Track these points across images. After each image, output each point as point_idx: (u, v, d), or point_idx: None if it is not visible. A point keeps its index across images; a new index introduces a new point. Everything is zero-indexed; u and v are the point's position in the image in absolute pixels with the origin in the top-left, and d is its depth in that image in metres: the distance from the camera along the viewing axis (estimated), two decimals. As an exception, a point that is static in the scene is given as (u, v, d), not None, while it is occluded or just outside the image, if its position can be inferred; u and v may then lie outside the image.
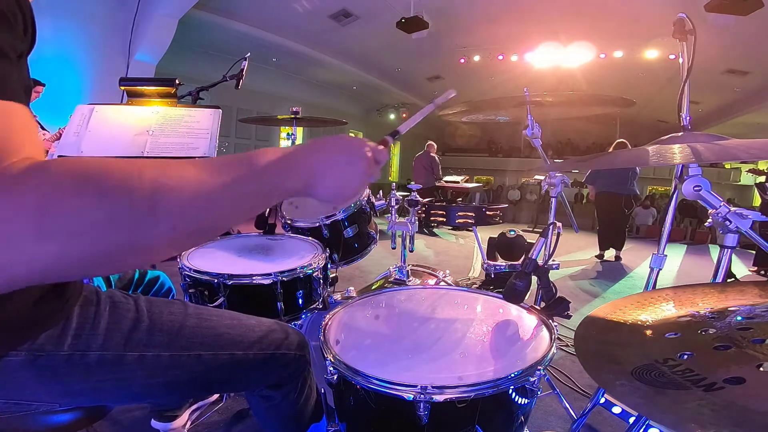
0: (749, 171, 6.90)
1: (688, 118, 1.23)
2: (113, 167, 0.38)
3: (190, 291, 1.21)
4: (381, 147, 0.63)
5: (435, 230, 6.82)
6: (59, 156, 1.87)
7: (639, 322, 0.62)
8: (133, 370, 0.67)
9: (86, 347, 0.63)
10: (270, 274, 1.22)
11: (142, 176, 0.38)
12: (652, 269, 1.36)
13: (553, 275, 1.04)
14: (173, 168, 0.41)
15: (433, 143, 7.37)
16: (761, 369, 0.45)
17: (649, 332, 0.59)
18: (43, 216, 0.34)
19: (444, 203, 6.20)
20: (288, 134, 2.47)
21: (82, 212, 0.35)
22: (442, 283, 1.97)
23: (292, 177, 0.50)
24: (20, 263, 0.34)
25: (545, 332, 0.90)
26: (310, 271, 1.30)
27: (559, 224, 1.04)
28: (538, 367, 0.76)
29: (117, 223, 0.36)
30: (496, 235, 2.38)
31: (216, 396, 1.55)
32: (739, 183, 14.48)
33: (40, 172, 0.35)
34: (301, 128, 2.55)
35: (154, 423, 1.31)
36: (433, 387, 0.70)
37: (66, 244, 0.34)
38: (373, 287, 1.95)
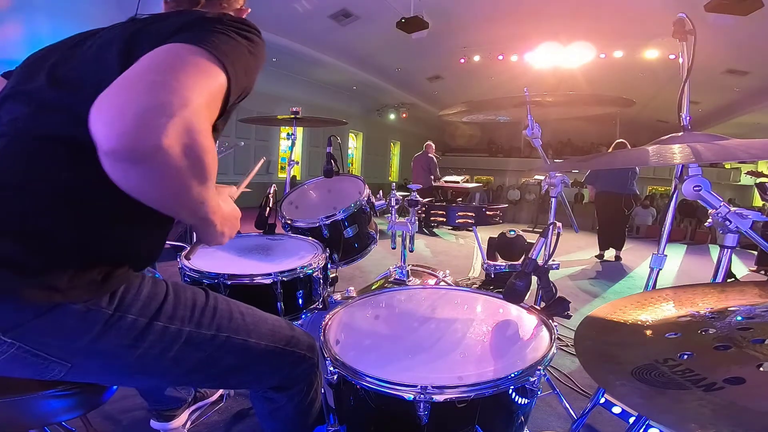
0: (748, 173, 6.89)
1: (688, 118, 1.23)
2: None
3: (190, 291, 1.21)
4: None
5: (435, 230, 6.82)
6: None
7: (639, 322, 0.62)
8: (152, 341, 0.71)
9: (126, 310, 0.69)
10: (270, 274, 1.22)
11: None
12: (652, 269, 1.36)
13: (553, 275, 1.04)
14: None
15: (431, 143, 7.31)
16: (761, 369, 0.46)
17: (649, 332, 0.59)
18: None
19: (444, 203, 6.20)
20: (288, 134, 2.47)
21: None
22: (442, 283, 1.97)
23: None
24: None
25: (545, 332, 0.90)
26: (310, 271, 1.30)
27: (559, 224, 1.04)
28: (538, 367, 0.76)
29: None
30: (496, 235, 2.38)
31: (216, 396, 1.55)
32: (739, 183, 14.48)
33: None
34: (301, 128, 2.55)
35: (153, 423, 1.31)
36: (433, 387, 0.70)
37: None
38: (373, 287, 1.95)
